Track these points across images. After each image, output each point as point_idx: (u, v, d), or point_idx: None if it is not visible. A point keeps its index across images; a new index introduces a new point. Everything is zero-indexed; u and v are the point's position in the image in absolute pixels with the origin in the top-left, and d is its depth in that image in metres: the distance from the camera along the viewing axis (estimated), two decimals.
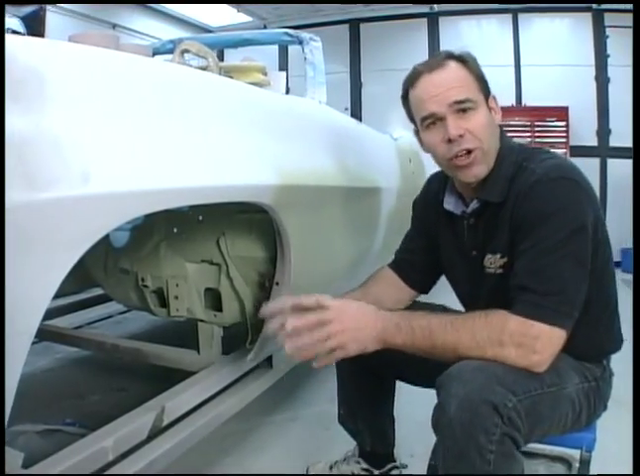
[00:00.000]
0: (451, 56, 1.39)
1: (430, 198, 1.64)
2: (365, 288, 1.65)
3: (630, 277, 5.50)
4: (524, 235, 1.28)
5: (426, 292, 1.72)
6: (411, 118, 1.48)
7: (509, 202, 1.34)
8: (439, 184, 1.59)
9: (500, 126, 1.45)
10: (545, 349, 1.18)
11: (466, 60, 1.39)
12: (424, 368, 1.26)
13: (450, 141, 1.35)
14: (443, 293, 1.66)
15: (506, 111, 6.47)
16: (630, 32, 5.82)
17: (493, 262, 1.39)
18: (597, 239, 1.31)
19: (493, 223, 1.39)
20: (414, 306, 1.65)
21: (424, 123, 1.40)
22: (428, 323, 1.25)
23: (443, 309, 1.65)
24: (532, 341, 1.17)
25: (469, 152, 1.35)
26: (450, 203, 1.52)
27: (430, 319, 1.26)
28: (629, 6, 5.76)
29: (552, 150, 1.47)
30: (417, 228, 1.71)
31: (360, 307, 1.32)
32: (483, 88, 1.40)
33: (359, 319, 1.28)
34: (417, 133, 1.47)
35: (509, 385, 1.14)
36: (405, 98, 1.46)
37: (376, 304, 1.47)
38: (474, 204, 1.44)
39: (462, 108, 1.34)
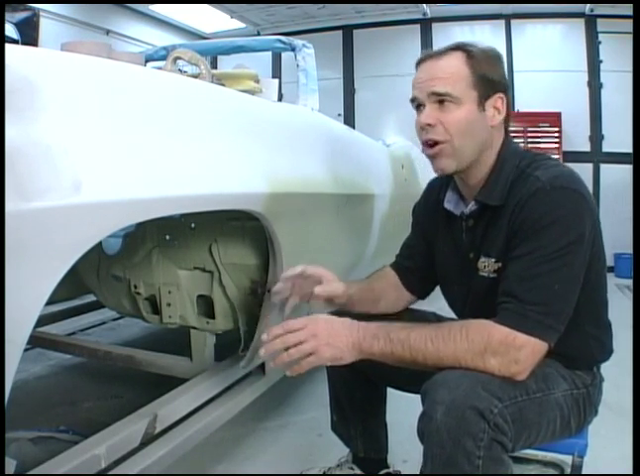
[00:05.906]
0: (461, 47, 1.38)
1: (431, 199, 1.63)
2: (369, 281, 1.69)
3: (624, 282, 5.54)
4: (520, 241, 1.27)
5: (423, 297, 1.72)
6: None
7: (509, 207, 1.33)
8: (441, 183, 1.59)
9: (507, 129, 1.44)
10: (527, 360, 1.19)
11: (472, 55, 1.36)
12: (415, 375, 1.26)
13: (422, 128, 1.38)
14: (437, 298, 1.66)
15: None
16: (623, 38, 5.90)
17: (487, 265, 1.38)
18: (593, 251, 1.30)
19: (492, 226, 1.38)
20: (405, 314, 1.66)
21: (413, 105, 1.43)
22: (407, 337, 1.24)
23: (434, 317, 1.66)
24: (514, 352, 1.18)
25: (436, 143, 1.37)
26: (450, 202, 1.51)
27: (409, 333, 1.25)
28: (622, 11, 5.80)
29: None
30: (416, 233, 1.70)
31: (331, 318, 1.35)
32: (482, 87, 1.36)
33: (331, 327, 1.30)
34: None
35: (494, 391, 1.14)
36: None
37: (377, 300, 1.55)
38: (472, 206, 1.43)
39: (440, 100, 1.35)
